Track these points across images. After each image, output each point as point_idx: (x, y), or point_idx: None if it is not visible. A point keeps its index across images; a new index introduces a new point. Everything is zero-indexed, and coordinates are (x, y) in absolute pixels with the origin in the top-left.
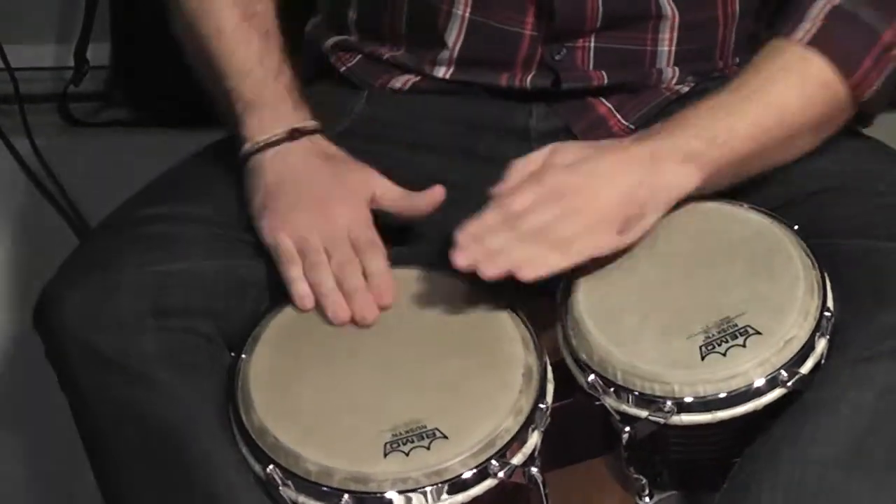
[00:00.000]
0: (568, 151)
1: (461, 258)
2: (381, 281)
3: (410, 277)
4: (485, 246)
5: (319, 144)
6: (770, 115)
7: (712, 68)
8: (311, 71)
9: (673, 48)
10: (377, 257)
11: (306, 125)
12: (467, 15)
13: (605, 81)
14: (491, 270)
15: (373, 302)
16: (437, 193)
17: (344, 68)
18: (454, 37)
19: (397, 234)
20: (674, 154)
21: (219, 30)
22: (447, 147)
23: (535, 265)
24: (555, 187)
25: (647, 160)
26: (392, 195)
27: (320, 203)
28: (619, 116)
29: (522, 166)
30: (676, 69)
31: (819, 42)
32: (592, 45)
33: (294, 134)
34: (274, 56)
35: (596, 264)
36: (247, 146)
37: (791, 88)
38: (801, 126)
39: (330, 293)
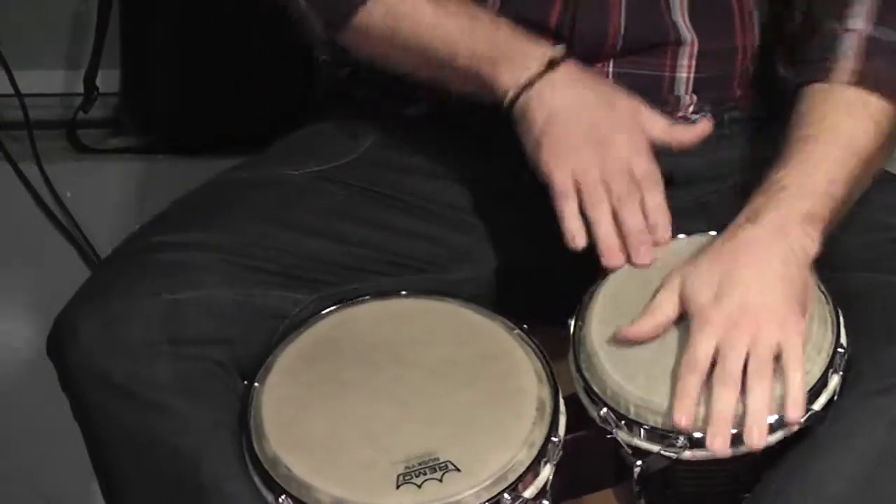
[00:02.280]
0: (699, 281)
1: (719, 446)
2: (658, 216)
3: (425, 308)
4: (722, 420)
5: (578, 72)
6: (849, 156)
7: (729, 97)
8: (325, 97)
9: (692, 75)
10: (655, 190)
11: (556, 53)
12: None
13: None
14: (758, 438)
15: (651, 245)
16: (705, 127)
17: (359, 95)
18: None
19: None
20: (791, 219)
21: (421, 21)
22: (461, 175)
23: (793, 404)
24: (723, 321)
25: (774, 237)
26: (660, 125)
27: (599, 137)
28: None
29: (652, 317)
30: (694, 96)
31: (865, 80)
32: (612, 70)
33: (551, 64)
34: (480, 11)
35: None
36: (511, 93)
37: (857, 127)
38: (874, 157)
39: (606, 237)
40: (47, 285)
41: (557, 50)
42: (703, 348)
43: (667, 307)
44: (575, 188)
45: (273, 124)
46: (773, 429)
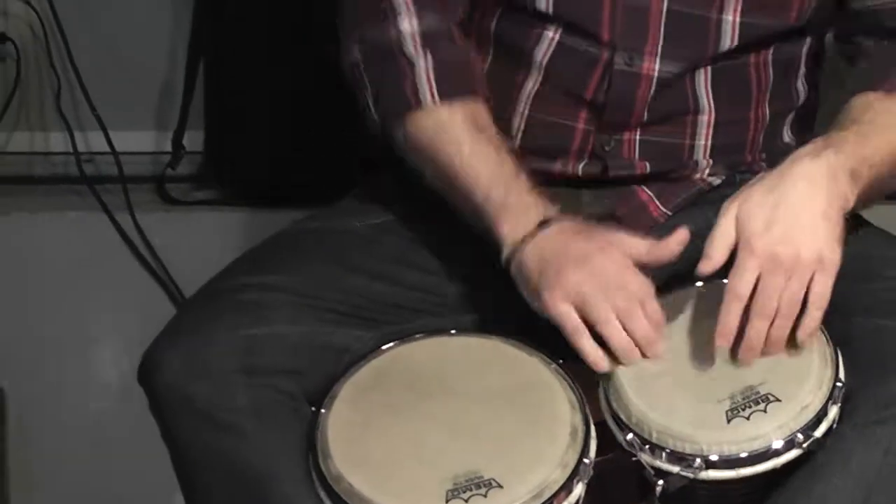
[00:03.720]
0: (753, 208)
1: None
2: (657, 321)
3: (472, 344)
4: (752, 346)
5: (567, 225)
6: (893, 151)
7: (742, 162)
8: (383, 157)
9: (709, 142)
10: (652, 300)
11: (551, 215)
12: (526, 111)
13: (648, 170)
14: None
15: (659, 341)
16: (681, 236)
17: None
18: (516, 128)
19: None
20: (845, 169)
21: (459, 151)
22: None
23: (806, 329)
24: (766, 253)
25: (826, 176)
26: (641, 248)
27: (585, 260)
28: (658, 203)
29: (719, 242)
30: (711, 161)
31: None
32: (638, 137)
33: (543, 225)
34: (508, 161)
35: None
36: (508, 249)
37: None
38: None
39: (620, 345)
40: (138, 322)
41: (552, 212)
42: (746, 279)
43: (728, 229)
44: (580, 315)
45: (338, 181)
46: (780, 452)
